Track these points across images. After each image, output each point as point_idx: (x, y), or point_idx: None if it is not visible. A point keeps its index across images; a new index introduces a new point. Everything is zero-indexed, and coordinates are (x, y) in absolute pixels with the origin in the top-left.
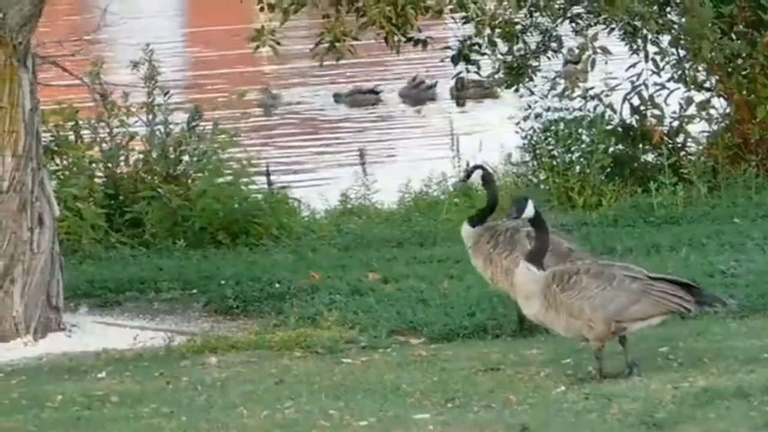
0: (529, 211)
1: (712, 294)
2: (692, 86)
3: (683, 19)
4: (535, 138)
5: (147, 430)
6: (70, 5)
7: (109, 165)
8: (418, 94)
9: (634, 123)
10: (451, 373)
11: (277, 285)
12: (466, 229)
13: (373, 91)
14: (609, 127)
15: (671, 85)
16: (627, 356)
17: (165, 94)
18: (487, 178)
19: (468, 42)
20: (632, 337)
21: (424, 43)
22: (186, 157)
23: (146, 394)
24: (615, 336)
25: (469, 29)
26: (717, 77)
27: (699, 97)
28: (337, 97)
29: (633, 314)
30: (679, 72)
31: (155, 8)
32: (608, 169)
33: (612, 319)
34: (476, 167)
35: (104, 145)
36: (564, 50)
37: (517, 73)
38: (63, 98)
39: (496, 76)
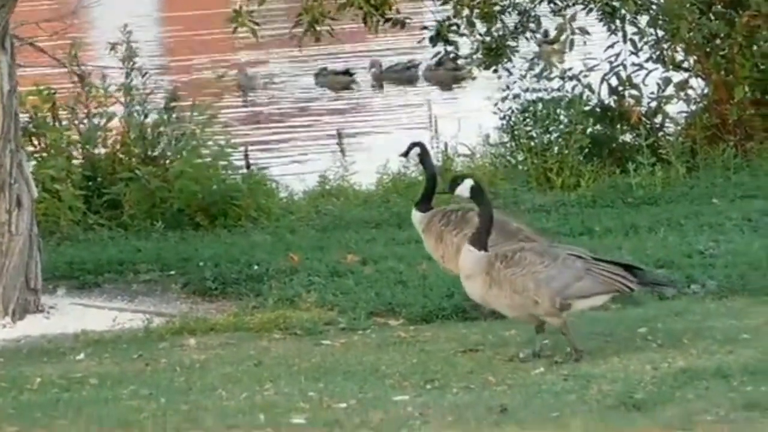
0: (462, 189)
1: (656, 275)
2: (670, 66)
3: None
4: (513, 119)
5: (126, 412)
6: None
7: (87, 146)
8: (395, 75)
9: (612, 103)
10: (431, 354)
11: (256, 267)
12: (415, 215)
13: (348, 72)
14: (587, 108)
15: (649, 65)
16: (535, 346)
17: (143, 76)
18: (423, 155)
19: (446, 22)
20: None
21: (403, 23)
22: (164, 139)
23: (125, 376)
24: (564, 313)
25: (448, 10)
26: (695, 57)
27: (677, 77)
28: (317, 78)
29: (577, 291)
30: (658, 52)
31: None
32: (586, 150)
33: (556, 296)
34: (414, 144)
35: (82, 126)
36: (541, 30)
37: (495, 53)
38: (41, 80)
39: (475, 57)
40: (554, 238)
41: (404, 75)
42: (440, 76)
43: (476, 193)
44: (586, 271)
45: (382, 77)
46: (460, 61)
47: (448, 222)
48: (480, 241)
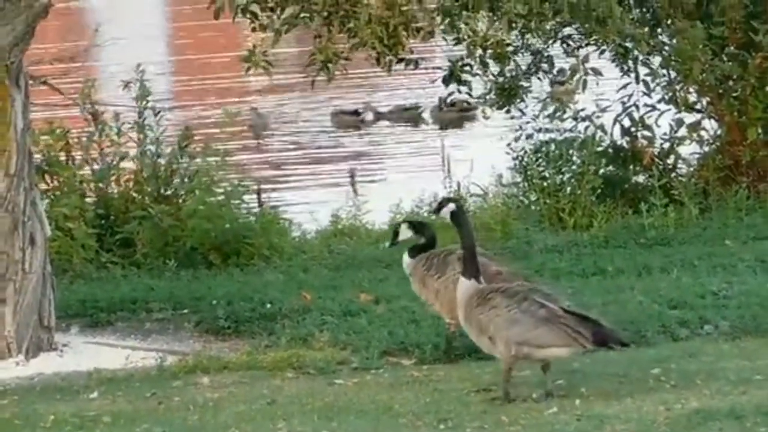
0: (445, 212)
1: (616, 336)
2: (683, 108)
3: (674, 41)
4: (526, 159)
5: None
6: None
7: (100, 185)
8: (401, 115)
9: (624, 144)
10: (444, 393)
11: (269, 305)
12: (405, 260)
13: (356, 113)
14: (600, 149)
15: (662, 106)
16: (547, 383)
17: (156, 114)
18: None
19: (459, 63)
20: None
21: (416, 63)
22: (177, 177)
23: (138, 414)
24: (519, 360)
25: (461, 50)
26: (708, 99)
27: (690, 118)
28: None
29: (532, 340)
30: (670, 93)
31: (144, 32)
32: (599, 190)
33: (513, 342)
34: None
35: (95, 165)
36: (554, 71)
37: (508, 93)
38: (54, 118)
39: (488, 97)
40: (541, 281)
41: (403, 116)
42: (445, 118)
43: (456, 217)
44: (544, 321)
45: (378, 119)
46: (472, 101)
47: (430, 266)
48: (467, 269)
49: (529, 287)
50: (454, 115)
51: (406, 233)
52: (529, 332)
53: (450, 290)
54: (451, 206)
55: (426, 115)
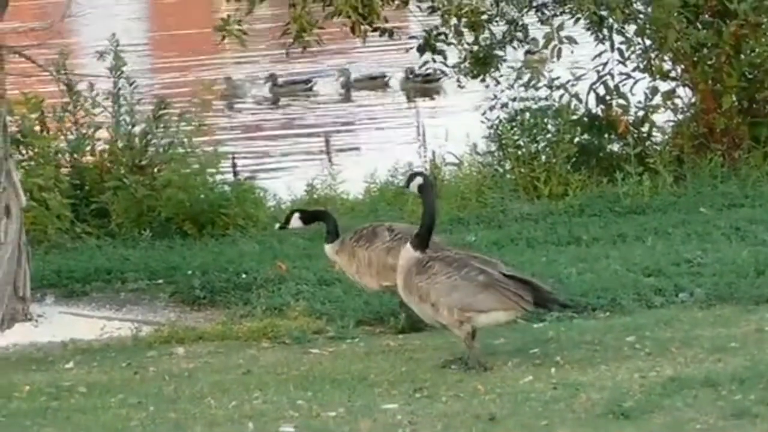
0: (413, 185)
1: (555, 298)
2: (658, 76)
3: (649, 9)
4: (501, 128)
5: (115, 420)
6: None
7: (75, 155)
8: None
9: (599, 113)
10: (419, 363)
11: (244, 275)
12: (326, 248)
13: (307, 81)
14: (575, 117)
15: (637, 74)
16: (469, 349)
17: (130, 85)
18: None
19: (434, 32)
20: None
21: (391, 32)
22: (152, 147)
23: (114, 385)
24: (466, 325)
25: (435, 20)
26: (682, 67)
27: (664, 86)
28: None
29: (474, 305)
30: (645, 62)
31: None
32: (574, 159)
33: (455, 307)
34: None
35: (70, 135)
36: (529, 39)
37: (483, 62)
38: (29, 88)
39: (462, 66)
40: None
41: (371, 84)
42: (410, 88)
43: (423, 189)
44: (485, 286)
45: (350, 86)
46: (447, 71)
47: (359, 238)
48: (416, 240)
49: (468, 254)
50: (420, 85)
51: (296, 222)
52: (470, 297)
53: (381, 258)
54: (419, 180)
55: (393, 83)
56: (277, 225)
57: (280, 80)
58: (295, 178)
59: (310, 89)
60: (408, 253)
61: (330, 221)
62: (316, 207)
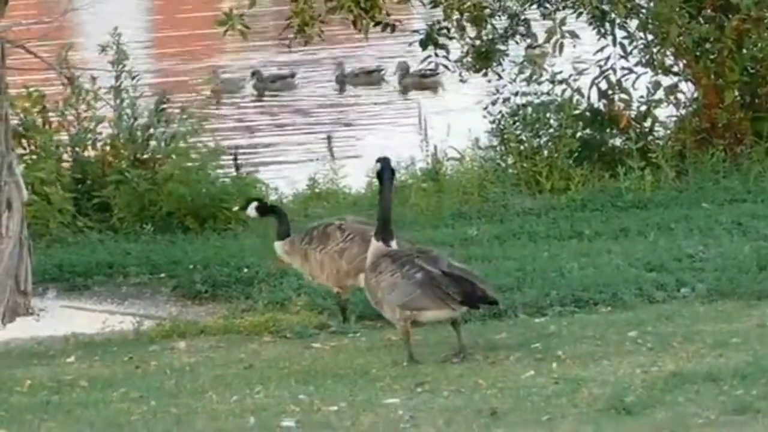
0: (250, 209)
1: (484, 295)
2: (660, 70)
3: (651, 3)
4: (503, 122)
5: (116, 414)
6: None
7: (77, 149)
8: (358, 79)
9: (601, 107)
10: (421, 357)
11: (246, 270)
12: (276, 245)
13: (290, 76)
14: (577, 112)
15: (639, 69)
16: (459, 341)
17: (132, 78)
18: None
19: (436, 26)
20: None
21: (393, 27)
22: (153, 142)
23: (115, 379)
24: (409, 321)
25: (438, 14)
26: (685, 61)
27: (667, 81)
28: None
29: (410, 303)
30: (647, 56)
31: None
32: (576, 154)
33: (396, 305)
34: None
35: (72, 129)
36: (531, 34)
37: (485, 57)
38: (31, 82)
39: (465, 60)
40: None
41: (367, 79)
42: (407, 83)
43: (379, 175)
44: (419, 285)
45: (345, 80)
46: (450, 65)
47: (311, 239)
48: (378, 230)
49: (417, 250)
50: (416, 81)
51: (252, 211)
52: (407, 296)
53: (336, 260)
54: (377, 165)
55: (389, 77)
56: (236, 207)
57: (264, 74)
58: (296, 172)
59: (294, 84)
60: (372, 246)
61: (282, 219)
62: (274, 203)
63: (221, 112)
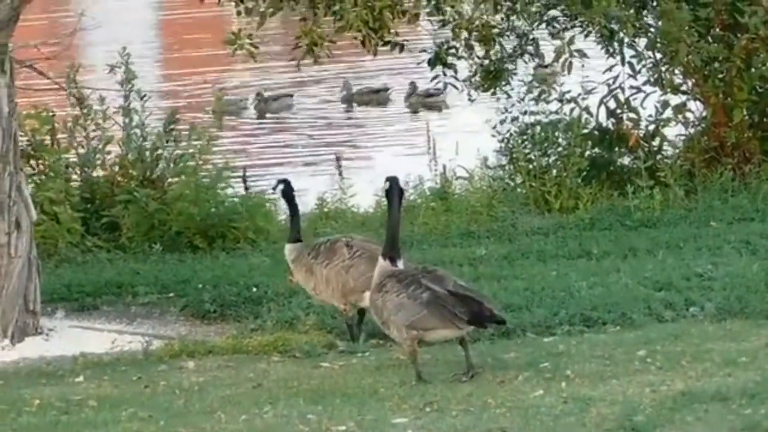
0: (384, 187)
1: (491, 315)
2: (669, 89)
3: (660, 23)
4: (511, 142)
5: None
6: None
7: (86, 169)
8: (364, 98)
9: (610, 126)
10: (430, 377)
11: (255, 289)
12: (286, 248)
13: (288, 96)
14: (585, 131)
15: (648, 88)
16: (468, 360)
17: (141, 98)
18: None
19: (445, 45)
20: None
21: (401, 46)
22: (162, 161)
23: (124, 399)
24: (416, 341)
25: (446, 33)
26: (693, 80)
27: (675, 100)
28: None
29: (417, 323)
30: (656, 75)
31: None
32: (585, 173)
33: (402, 325)
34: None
35: (80, 148)
36: (539, 53)
37: (493, 76)
38: (39, 102)
39: (473, 80)
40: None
41: (373, 98)
42: (412, 103)
43: (387, 194)
44: (426, 304)
45: (352, 99)
46: (458, 84)
47: (317, 254)
48: (384, 249)
49: (422, 270)
50: (421, 100)
51: (277, 189)
52: (414, 316)
53: (341, 276)
54: (386, 184)
55: (395, 96)
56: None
57: (266, 95)
58: (305, 191)
59: (292, 104)
60: (378, 265)
61: (295, 221)
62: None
63: (225, 133)
